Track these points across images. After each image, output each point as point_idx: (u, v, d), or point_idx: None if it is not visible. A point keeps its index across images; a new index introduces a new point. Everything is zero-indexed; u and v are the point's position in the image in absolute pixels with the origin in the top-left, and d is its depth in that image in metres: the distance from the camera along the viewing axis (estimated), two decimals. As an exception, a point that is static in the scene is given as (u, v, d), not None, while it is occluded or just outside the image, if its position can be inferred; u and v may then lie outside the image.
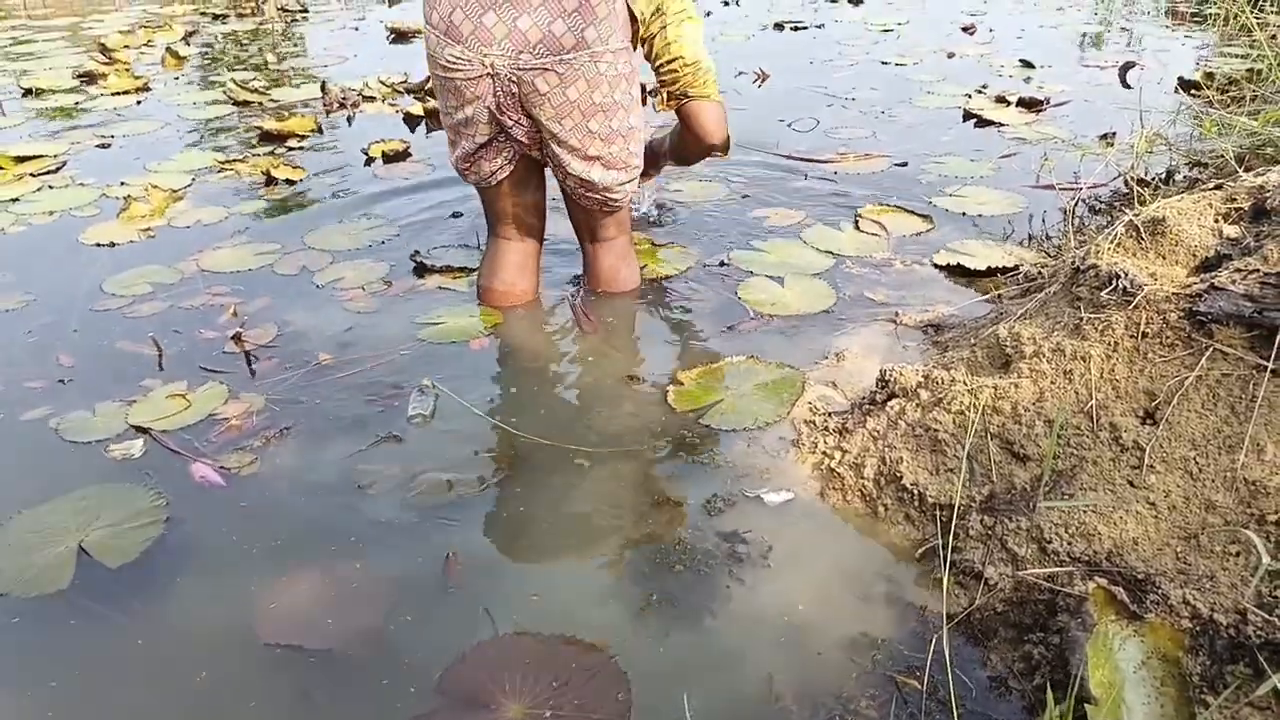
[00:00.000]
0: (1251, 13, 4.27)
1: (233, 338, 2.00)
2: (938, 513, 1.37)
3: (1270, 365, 1.20)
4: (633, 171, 1.98)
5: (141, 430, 1.71)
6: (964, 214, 2.61)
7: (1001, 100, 3.58)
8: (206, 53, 5.09)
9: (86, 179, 3.04)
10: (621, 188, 1.98)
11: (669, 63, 1.92)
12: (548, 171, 2.03)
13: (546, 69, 1.75)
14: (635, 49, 1.90)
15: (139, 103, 4.02)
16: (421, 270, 2.33)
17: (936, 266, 2.29)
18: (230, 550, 1.43)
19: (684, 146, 2.14)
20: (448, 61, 1.79)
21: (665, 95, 1.99)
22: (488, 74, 1.77)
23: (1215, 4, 4.62)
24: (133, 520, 1.46)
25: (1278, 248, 1.31)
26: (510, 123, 1.85)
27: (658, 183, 2.63)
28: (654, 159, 2.29)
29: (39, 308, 2.20)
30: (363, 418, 1.75)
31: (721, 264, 2.36)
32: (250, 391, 1.83)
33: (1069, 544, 1.20)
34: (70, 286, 2.29)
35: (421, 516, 1.49)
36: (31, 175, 3.07)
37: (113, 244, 2.54)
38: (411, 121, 3.69)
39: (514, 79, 1.77)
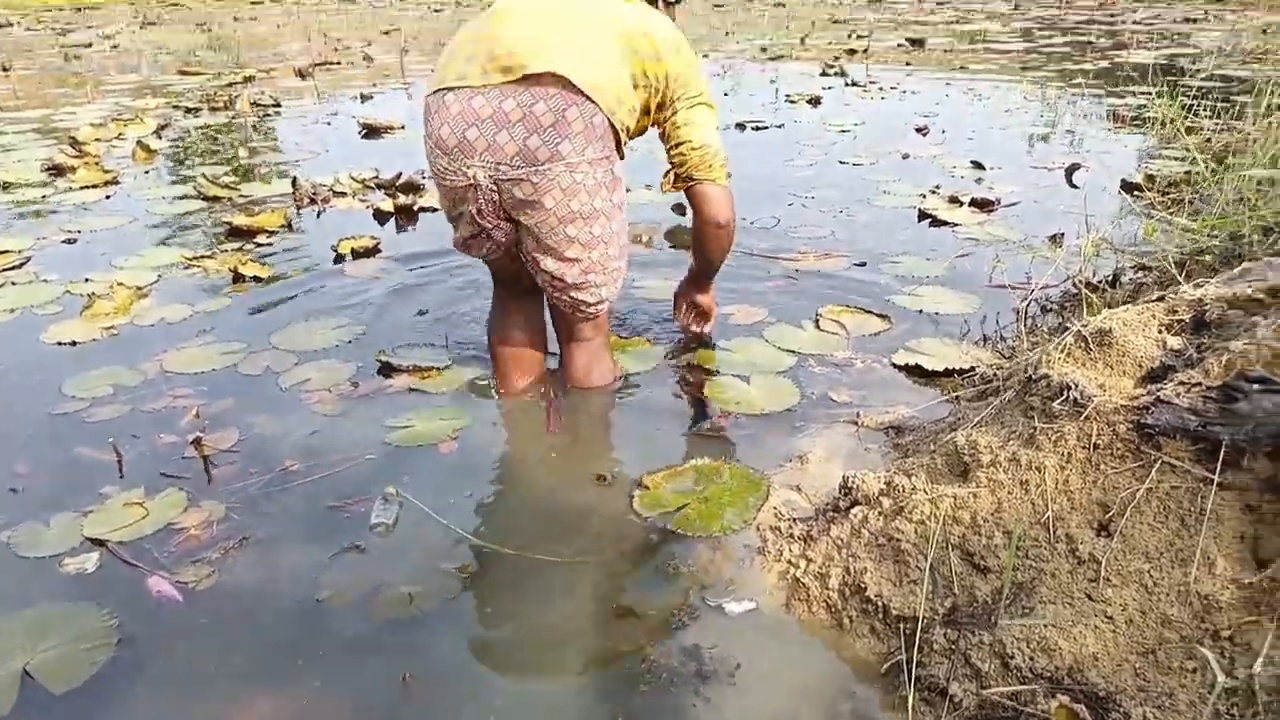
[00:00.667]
0: (1185, 118, 4.51)
1: (193, 442, 1.98)
2: (902, 625, 1.37)
3: (1216, 479, 1.24)
4: (610, 275, 2.03)
5: (97, 542, 1.67)
6: (921, 312, 2.67)
7: (955, 200, 3.71)
8: (178, 146, 5.15)
9: (50, 275, 3.03)
10: (596, 290, 2.02)
11: (677, 146, 2.05)
12: None
13: (523, 179, 1.82)
14: (623, 158, 1.99)
15: (108, 197, 4.04)
16: (388, 370, 2.33)
17: (896, 366, 2.34)
18: (183, 672, 1.39)
19: (696, 237, 2.22)
20: (438, 170, 1.90)
21: (673, 176, 2.10)
22: (471, 184, 1.86)
23: (1152, 109, 4.86)
24: (83, 641, 1.42)
25: (1218, 361, 1.36)
26: (490, 225, 1.92)
27: None
28: (704, 284, 2.40)
29: (-5, 411, 2.17)
30: (325, 526, 1.73)
31: (688, 363, 2.40)
32: (210, 499, 1.81)
33: (1031, 659, 1.21)
34: (29, 388, 2.27)
35: (381, 633, 1.46)
36: (-6, 272, 3.06)
37: (74, 343, 2.52)
38: (381, 217, 3.74)
39: (494, 187, 1.85)
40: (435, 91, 1.86)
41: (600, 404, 2.19)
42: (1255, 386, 1.23)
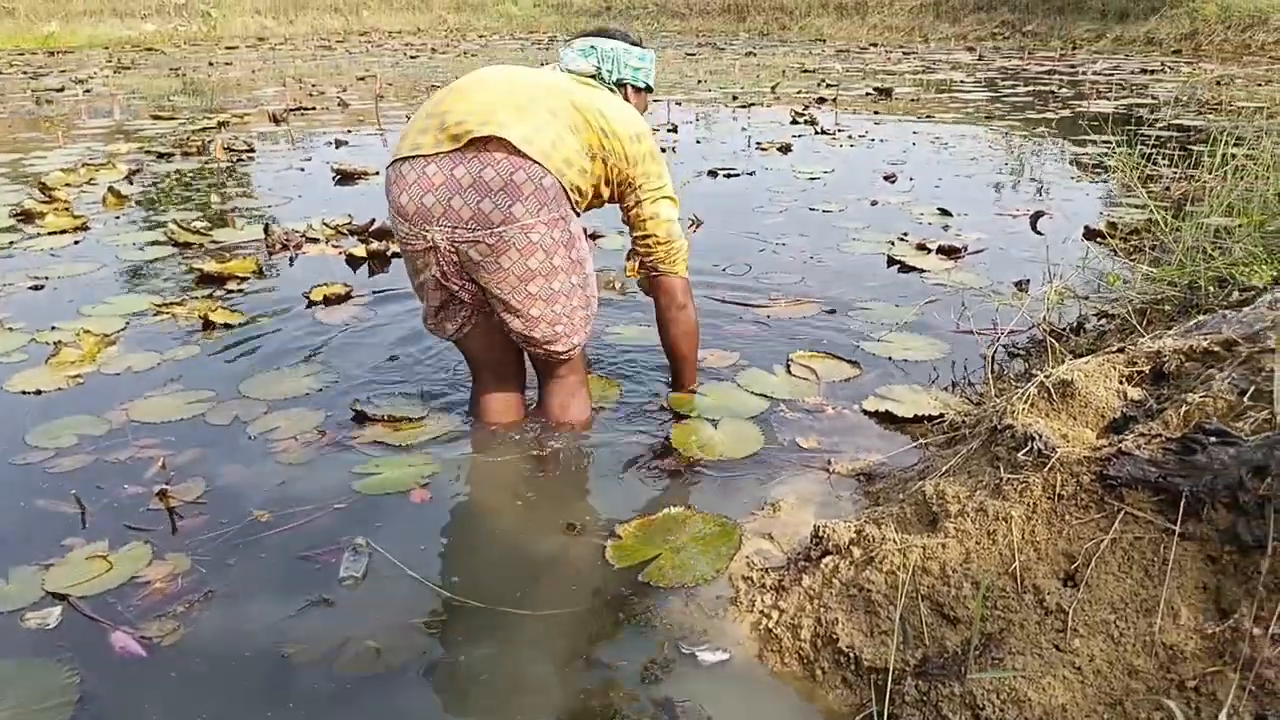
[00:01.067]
0: (1145, 167, 4.64)
1: (158, 493, 1.95)
2: (874, 676, 1.37)
3: (1177, 529, 1.26)
4: (578, 324, 2.07)
5: (59, 597, 1.64)
6: (890, 358, 2.71)
7: (922, 247, 3.77)
8: (149, 192, 5.13)
9: (16, 323, 2.99)
10: (567, 340, 2.07)
11: (643, 237, 2.16)
12: None
13: (479, 240, 1.87)
14: (579, 215, 2.04)
15: (77, 243, 4.01)
16: (361, 419, 2.32)
17: (865, 412, 2.36)
18: (145, 732, 1.36)
19: (661, 327, 2.32)
20: (400, 236, 1.95)
21: (638, 263, 2.25)
22: (431, 247, 1.91)
23: (1113, 157, 4.99)
24: (41, 700, 1.39)
25: (1176, 413, 1.39)
26: (456, 288, 1.99)
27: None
28: (684, 377, 2.45)
29: (-45, 462, 2.13)
30: (293, 579, 1.71)
31: (661, 408, 2.41)
32: (176, 551, 1.78)
33: (1001, 711, 1.22)
34: (-9, 439, 2.23)
35: (349, 688, 1.44)
36: (-42, 319, 3.01)
37: (39, 392, 2.49)
38: (354, 263, 3.74)
39: (453, 250, 1.90)
40: (393, 162, 1.92)
41: (573, 447, 2.19)
42: (1212, 439, 1.26)
